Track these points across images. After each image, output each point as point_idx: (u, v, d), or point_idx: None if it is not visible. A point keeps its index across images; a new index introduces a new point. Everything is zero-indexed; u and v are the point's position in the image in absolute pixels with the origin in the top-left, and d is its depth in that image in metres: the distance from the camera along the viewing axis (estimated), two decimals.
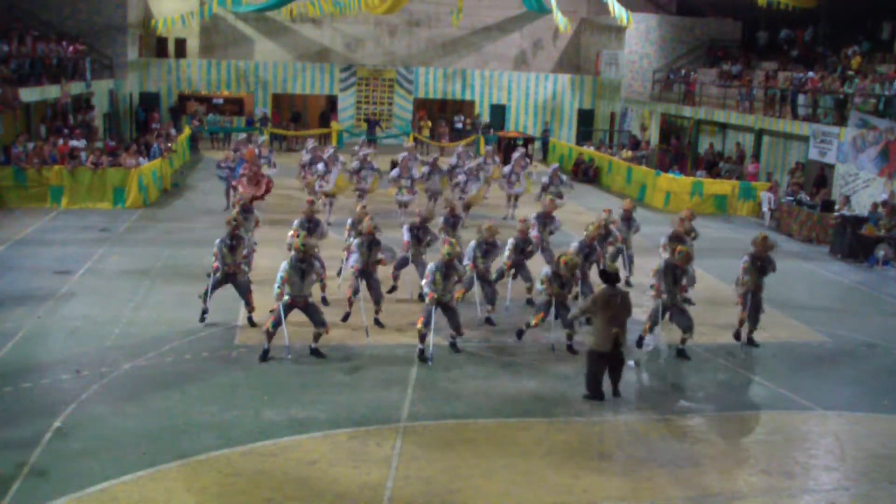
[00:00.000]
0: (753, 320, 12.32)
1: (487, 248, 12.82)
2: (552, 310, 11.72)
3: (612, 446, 9.00)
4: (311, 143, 22.61)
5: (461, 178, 20.45)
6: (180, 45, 35.86)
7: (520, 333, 12.20)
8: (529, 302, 13.82)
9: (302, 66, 35.95)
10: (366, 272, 12.30)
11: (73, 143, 22.44)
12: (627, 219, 15.54)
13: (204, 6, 33.52)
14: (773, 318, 13.80)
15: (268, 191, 19.84)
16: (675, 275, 11.79)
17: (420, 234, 13.49)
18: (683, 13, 35.88)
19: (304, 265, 10.94)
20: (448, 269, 11.24)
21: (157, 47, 35.79)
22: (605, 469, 8.46)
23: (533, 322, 11.93)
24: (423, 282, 11.63)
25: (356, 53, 36.92)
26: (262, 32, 36.26)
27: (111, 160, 21.53)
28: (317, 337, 11.14)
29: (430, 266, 11.35)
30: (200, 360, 10.84)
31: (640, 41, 33.70)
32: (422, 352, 11.19)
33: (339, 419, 9.28)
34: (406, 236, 13.53)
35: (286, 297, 10.92)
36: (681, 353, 11.89)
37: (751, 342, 12.45)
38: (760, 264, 12.34)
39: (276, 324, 10.93)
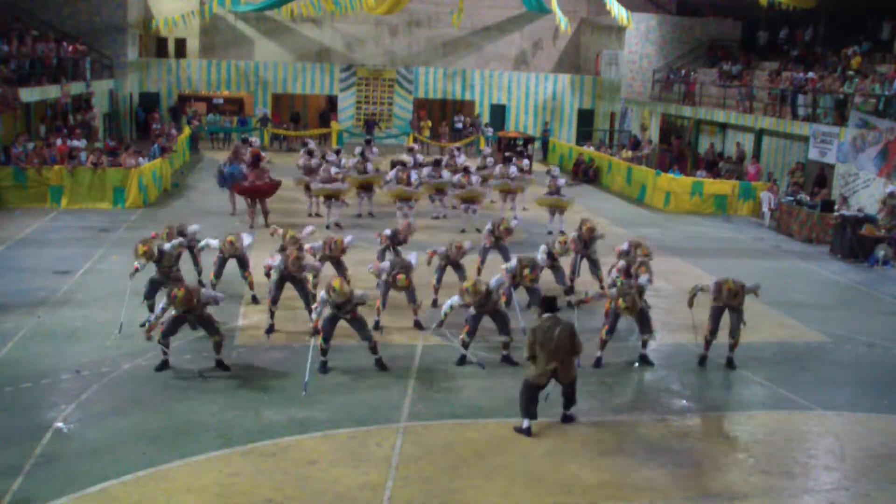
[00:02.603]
0: (734, 335, 11.43)
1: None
2: (474, 320, 11.01)
3: (612, 446, 8.99)
4: (311, 144, 22.38)
5: (474, 179, 20.49)
6: (180, 45, 35.87)
7: (461, 360, 11.14)
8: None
9: (302, 66, 35.96)
10: (289, 276, 11.94)
11: (73, 143, 22.46)
12: (588, 239, 14.30)
13: (204, 6, 33.56)
14: (773, 318, 13.81)
15: (272, 189, 19.68)
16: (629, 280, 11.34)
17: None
18: (683, 13, 35.91)
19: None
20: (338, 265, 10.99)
21: (157, 47, 35.81)
22: (606, 469, 8.46)
23: (462, 338, 11.10)
24: (315, 306, 10.94)
25: (356, 53, 36.94)
26: (262, 32, 36.28)
27: (111, 160, 21.54)
28: (216, 346, 10.56)
29: (322, 295, 10.65)
30: (200, 360, 10.83)
31: (640, 41, 33.72)
32: (324, 364, 10.73)
33: (339, 419, 9.28)
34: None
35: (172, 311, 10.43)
36: (643, 359, 11.48)
37: (730, 363, 11.50)
38: (723, 306, 11.31)
39: (167, 334, 10.43)
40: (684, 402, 10.37)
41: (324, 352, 10.70)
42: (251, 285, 13.40)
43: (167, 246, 12.37)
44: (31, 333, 11.57)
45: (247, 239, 13.37)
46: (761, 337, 12.54)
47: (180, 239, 12.97)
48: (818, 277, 17.20)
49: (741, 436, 9.55)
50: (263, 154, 22.17)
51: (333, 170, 19.80)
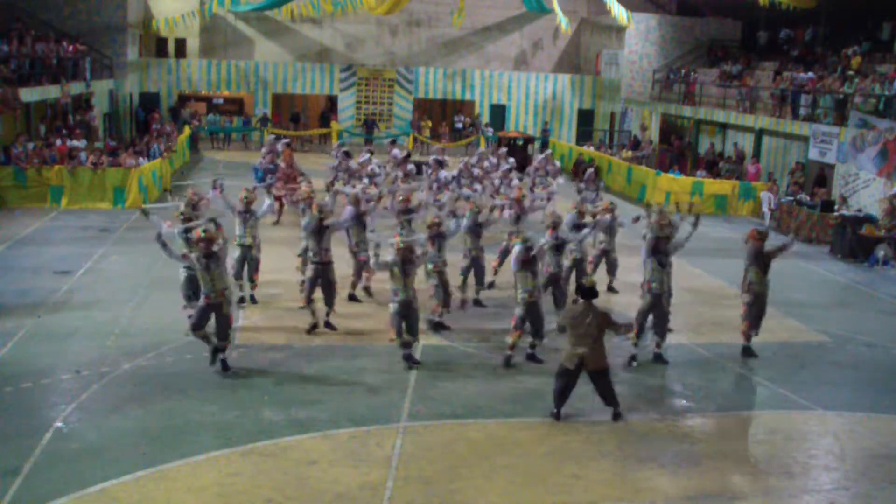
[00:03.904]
0: (756, 326, 11.91)
1: (439, 241, 12.33)
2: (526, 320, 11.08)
3: (612, 446, 8.99)
4: (337, 151, 22.50)
5: (495, 180, 20.46)
6: (180, 45, 35.85)
7: (507, 361, 11.16)
8: (477, 303, 13.74)
9: (302, 66, 35.95)
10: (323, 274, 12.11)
11: (73, 143, 22.45)
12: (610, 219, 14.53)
13: (204, 6, 33.55)
14: (773, 318, 13.77)
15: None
16: (660, 261, 11.31)
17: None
18: (683, 13, 35.92)
19: (209, 259, 10.31)
20: (406, 264, 10.63)
21: (157, 47, 35.79)
22: (606, 469, 8.46)
23: (511, 342, 11.14)
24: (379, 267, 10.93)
25: (356, 53, 36.93)
26: (262, 32, 36.28)
27: (111, 160, 21.54)
28: (223, 348, 10.54)
29: (389, 260, 10.78)
30: (200, 359, 10.82)
31: (640, 41, 33.72)
32: (409, 356, 10.94)
33: (339, 419, 9.28)
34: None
35: (201, 298, 10.38)
36: (657, 358, 11.55)
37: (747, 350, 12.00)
38: (764, 261, 11.82)
39: (195, 328, 10.44)
40: (684, 402, 10.38)
41: (406, 345, 10.85)
42: (254, 286, 13.35)
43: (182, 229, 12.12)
44: (31, 333, 11.57)
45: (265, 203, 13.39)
46: (761, 337, 12.50)
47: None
48: (818, 277, 17.20)
49: (741, 436, 9.55)
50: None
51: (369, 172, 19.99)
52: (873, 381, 11.38)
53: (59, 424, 8.83)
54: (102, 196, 20.66)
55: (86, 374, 10.20)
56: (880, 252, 18.30)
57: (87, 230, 18.19)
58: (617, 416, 9.55)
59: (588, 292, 9.43)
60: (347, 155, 21.48)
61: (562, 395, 9.50)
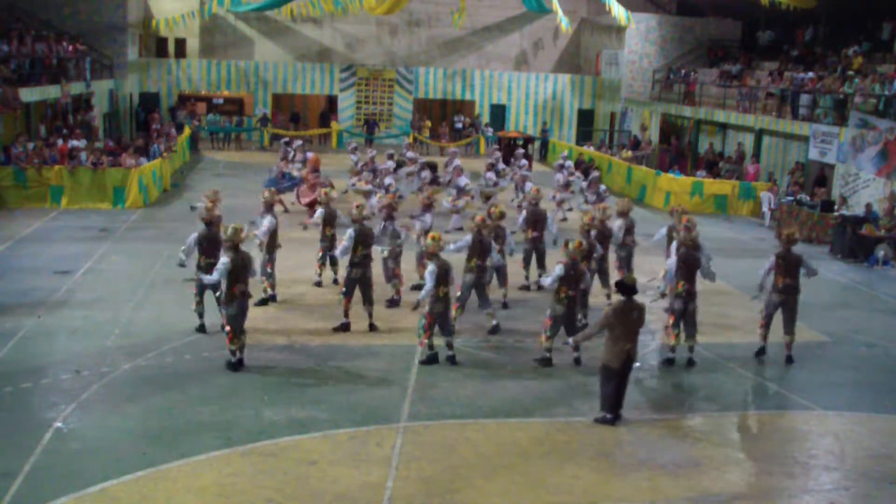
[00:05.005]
0: (790, 330, 11.77)
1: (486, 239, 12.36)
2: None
3: (612, 446, 8.99)
4: (370, 153, 22.57)
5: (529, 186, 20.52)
6: (180, 45, 35.89)
7: (545, 361, 11.20)
8: (506, 306, 13.73)
9: (302, 66, 35.97)
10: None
11: (73, 143, 22.45)
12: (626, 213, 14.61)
13: (204, 6, 33.56)
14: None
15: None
16: (688, 266, 11.35)
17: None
18: (683, 13, 35.94)
19: (238, 253, 10.43)
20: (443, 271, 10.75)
21: (157, 47, 35.82)
22: (605, 469, 8.46)
23: (545, 342, 11.22)
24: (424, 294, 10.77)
25: (356, 53, 36.95)
26: (262, 32, 36.31)
27: (111, 160, 21.54)
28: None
29: (429, 281, 10.64)
30: (200, 360, 10.83)
31: (640, 41, 33.74)
32: (452, 357, 11.13)
33: (339, 419, 9.28)
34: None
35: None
36: (689, 362, 11.52)
37: (789, 359, 11.82)
38: (784, 263, 11.69)
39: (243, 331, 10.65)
40: (684, 402, 10.37)
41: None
42: (269, 285, 13.28)
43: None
44: (31, 333, 11.57)
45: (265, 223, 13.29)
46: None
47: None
48: (818, 277, 17.12)
49: (741, 436, 9.56)
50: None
51: (388, 179, 19.97)
52: (873, 381, 11.38)
53: (59, 424, 8.83)
54: (102, 196, 20.65)
55: (86, 374, 10.20)
56: (880, 252, 18.29)
57: (87, 230, 18.18)
58: (617, 418, 9.56)
59: (630, 289, 9.54)
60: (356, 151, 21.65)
61: (617, 397, 9.44)
